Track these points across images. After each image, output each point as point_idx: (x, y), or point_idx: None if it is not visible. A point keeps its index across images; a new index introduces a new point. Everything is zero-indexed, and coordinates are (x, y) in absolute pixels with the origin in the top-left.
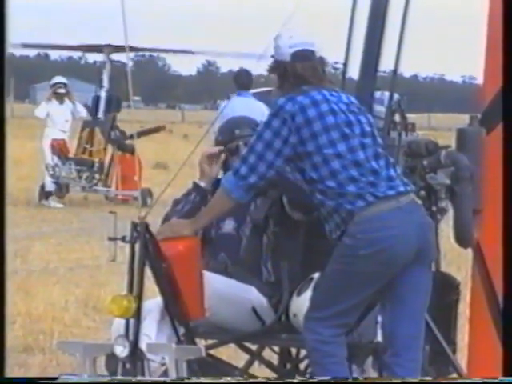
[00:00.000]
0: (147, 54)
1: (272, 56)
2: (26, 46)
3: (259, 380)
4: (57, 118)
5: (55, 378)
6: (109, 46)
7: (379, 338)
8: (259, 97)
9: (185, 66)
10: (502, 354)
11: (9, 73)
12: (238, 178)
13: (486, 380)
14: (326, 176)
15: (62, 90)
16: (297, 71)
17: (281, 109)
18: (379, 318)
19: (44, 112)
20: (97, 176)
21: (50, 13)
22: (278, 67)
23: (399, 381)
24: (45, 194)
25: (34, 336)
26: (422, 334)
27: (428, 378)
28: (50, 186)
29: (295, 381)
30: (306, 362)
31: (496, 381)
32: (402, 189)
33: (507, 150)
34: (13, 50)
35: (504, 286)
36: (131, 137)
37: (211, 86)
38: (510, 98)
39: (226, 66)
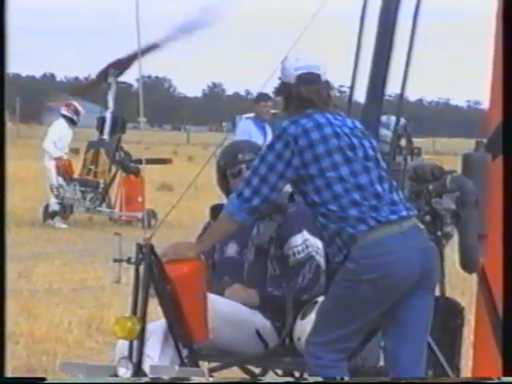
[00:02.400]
0: (153, 75)
1: (279, 78)
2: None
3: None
4: (65, 141)
5: (44, 379)
6: (114, 67)
7: (382, 362)
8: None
9: (190, 88)
10: (502, 354)
11: (15, 93)
12: (242, 201)
13: (486, 380)
14: (329, 199)
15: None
16: (302, 94)
17: (284, 131)
18: (382, 343)
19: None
20: (101, 197)
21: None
22: (284, 89)
23: (395, 381)
24: (50, 214)
25: (37, 357)
26: (424, 358)
27: (429, 379)
28: (55, 206)
29: (293, 380)
30: None
31: (496, 381)
32: (404, 213)
33: (508, 173)
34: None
35: (504, 290)
36: (139, 162)
37: (216, 107)
38: (510, 109)
39: (232, 88)
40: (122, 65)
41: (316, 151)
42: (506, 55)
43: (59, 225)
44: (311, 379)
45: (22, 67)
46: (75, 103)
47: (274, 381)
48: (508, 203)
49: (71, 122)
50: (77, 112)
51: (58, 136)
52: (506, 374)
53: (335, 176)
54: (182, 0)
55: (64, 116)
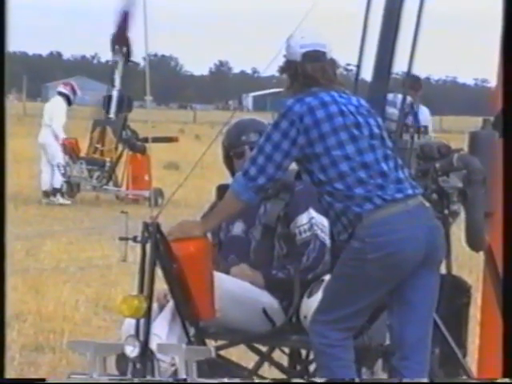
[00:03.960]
0: (159, 53)
1: (284, 56)
2: None
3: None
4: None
5: (43, 380)
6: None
7: (388, 340)
8: (271, 97)
9: (197, 66)
10: (502, 354)
11: (21, 71)
12: (247, 180)
13: (486, 380)
14: (334, 178)
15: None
16: (307, 72)
17: (289, 110)
18: (387, 321)
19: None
20: (107, 176)
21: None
22: (289, 67)
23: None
24: (52, 192)
25: (44, 335)
26: (429, 336)
27: (425, 380)
28: (57, 183)
29: (296, 381)
30: (315, 363)
31: (496, 381)
32: (410, 192)
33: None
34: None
35: (504, 284)
36: (145, 140)
37: (223, 86)
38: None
39: (239, 66)
40: (120, 40)
41: (321, 129)
42: (507, 55)
43: (63, 201)
44: (318, 380)
45: (28, 45)
46: (73, 82)
47: (277, 382)
48: (509, 185)
49: (68, 100)
50: (74, 91)
51: (63, 115)
52: (506, 375)
53: (341, 154)
54: None
55: (61, 94)
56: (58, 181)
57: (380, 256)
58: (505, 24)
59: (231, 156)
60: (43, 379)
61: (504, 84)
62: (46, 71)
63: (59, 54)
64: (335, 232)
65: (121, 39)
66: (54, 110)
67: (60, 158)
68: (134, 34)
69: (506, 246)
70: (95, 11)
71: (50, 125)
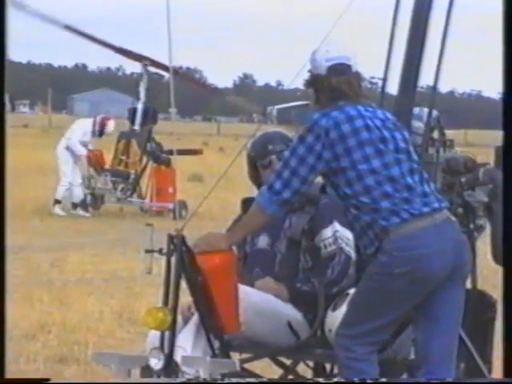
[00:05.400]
0: (184, 66)
1: (309, 70)
2: (68, 27)
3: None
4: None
5: (46, 380)
6: (147, 58)
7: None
8: (296, 110)
9: (221, 79)
10: (503, 354)
11: (47, 83)
12: (272, 194)
13: (486, 380)
14: (360, 192)
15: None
16: (332, 85)
17: (315, 124)
18: (412, 335)
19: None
20: (132, 188)
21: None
22: (314, 81)
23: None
24: (73, 205)
25: (68, 346)
26: (455, 350)
27: (433, 380)
28: (59, 195)
29: (299, 381)
30: (340, 377)
31: (497, 381)
32: (436, 205)
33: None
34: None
35: (504, 285)
36: (170, 152)
37: (247, 98)
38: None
39: (263, 79)
40: (133, 57)
41: (347, 144)
42: (507, 56)
43: (58, 212)
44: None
45: (54, 57)
46: (110, 121)
47: (278, 381)
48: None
49: (92, 132)
50: (102, 127)
51: (82, 133)
52: (506, 375)
53: (367, 168)
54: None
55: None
56: (60, 192)
57: (407, 270)
58: (505, 24)
59: (257, 167)
60: (47, 379)
61: (505, 86)
62: (72, 83)
63: (84, 66)
64: (361, 246)
65: (132, 56)
66: (79, 127)
67: (69, 173)
68: (160, 48)
69: (505, 245)
70: (120, 23)
71: (69, 138)
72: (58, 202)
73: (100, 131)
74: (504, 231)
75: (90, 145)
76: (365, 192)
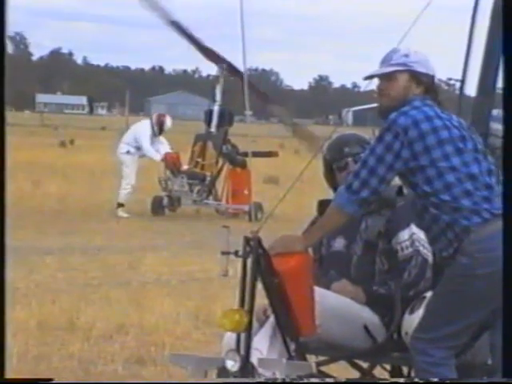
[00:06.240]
0: (260, 68)
1: (390, 64)
2: (174, 23)
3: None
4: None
5: (49, 380)
6: (224, 60)
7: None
8: (372, 112)
9: (297, 81)
10: (502, 354)
11: (124, 86)
12: (351, 193)
13: (486, 380)
14: (441, 189)
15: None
16: (419, 80)
17: (393, 123)
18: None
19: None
20: (208, 190)
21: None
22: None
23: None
24: (117, 205)
25: (146, 347)
26: None
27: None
28: (122, 198)
29: (305, 381)
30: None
31: (497, 380)
32: None
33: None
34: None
35: (504, 285)
36: (245, 154)
37: (323, 100)
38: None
39: (339, 81)
40: (211, 57)
41: (426, 142)
42: (507, 56)
43: (122, 214)
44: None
45: (131, 60)
46: (167, 118)
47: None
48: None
49: (152, 130)
50: (161, 124)
51: (148, 136)
52: (506, 375)
53: (447, 166)
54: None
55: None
56: (122, 195)
57: (490, 272)
58: (505, 24)
59: (333, 169)
60: (50, 379)
61: (504, 84)
62: (149, 86)
63: (161, 69)
64: (437, 248)
65: (206, 53)
66: (142, 131)
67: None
68: (235, 50)
69: (506, 245)
70: (196, 25)
71: (135, 145)
72: (121, 205)
73: (159, 130)
74: (504, 231)
75: (166, 147)
76: (445, 189)
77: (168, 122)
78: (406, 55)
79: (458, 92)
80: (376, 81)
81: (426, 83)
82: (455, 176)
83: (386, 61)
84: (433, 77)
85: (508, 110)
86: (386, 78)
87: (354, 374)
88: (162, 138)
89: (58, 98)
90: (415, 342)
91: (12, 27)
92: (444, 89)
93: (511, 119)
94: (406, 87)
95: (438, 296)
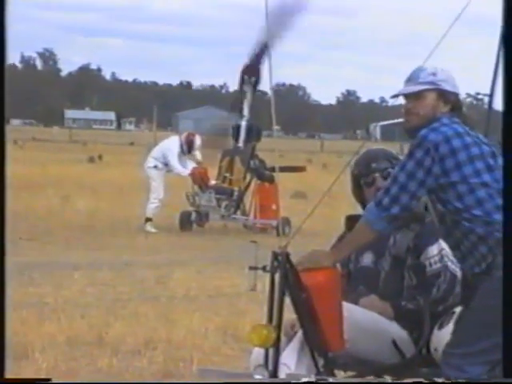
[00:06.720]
0: (287, 83)
1: (419, 83)
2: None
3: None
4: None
5: (47, 380)
6: (246, 74)
7: None
8: (400, 127)
9: (324, 95)
10: (502, 354)
11: (152, 101)
12: (381, 210)
13: (487, 380)
14: (472, 205)
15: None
16: (452, 101)
17: (424, 139)
18: None
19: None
20: (235, 204)
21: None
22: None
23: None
24: (145, 220)
25: (174, 362)
26: None
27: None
28: (150, 213)
29: (312, 380)
30: None
31: (497, 381)
32: None
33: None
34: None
35: (504, 285)
36: (273, 169)
37: (351, 115)
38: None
39: (367, 95)
40: (252, 71)
41: (458, 158)
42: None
43: (150, 229)
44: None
45: (159, 75)
46: (196, 137)
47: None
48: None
49: (181, 148)
50: (190, 144)
51: (176, 153)
52: (506, 375)
53: (478, 182)
54: None
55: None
56: (150, 210)
57: None
58: (505, 24)
59: (361, 185)
60: (48, 379)
61: (504, 85)
62: (176, 101)
63: (189, 84)
64: (468, 265)
65: (252, 70)
66: (170, 148)
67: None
68: (264, 65)
69: (506, 245)
70: (224, 42)
71: (163, 161)
72: (149, 219)
73: (188, 148)
74: (504, 231)
75: (193, 163)
76: (477, 205)
77: (197, 140)
78: (434, 74)
79: (486, 107)
80: (402, 97)
81: (453, 101)
82: (487, 192)
83: (412, 79)
84: (458, 94)
85: (508, 109)
86: (413, 96)
87: None
88: (196, 152)
89: (87, 114)
90: (448, 357)
91: (41, 43)
92: (472, 103)
93: (511, 119)
94: (434, 106)
95: (474, 311)
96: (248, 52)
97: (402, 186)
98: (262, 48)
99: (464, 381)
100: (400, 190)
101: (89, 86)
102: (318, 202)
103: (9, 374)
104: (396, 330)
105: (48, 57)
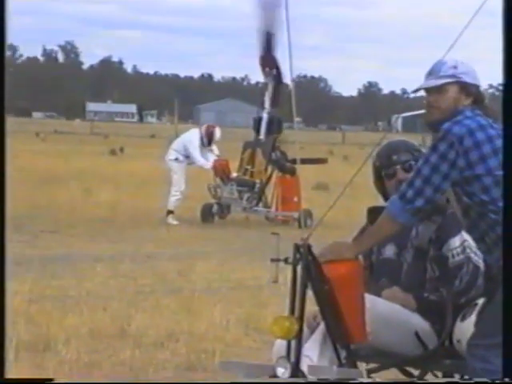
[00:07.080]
0: (309, 75)
1: (440, 77)
2: None
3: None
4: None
5: (50, 379)
6: (264, 65)
7: None
8: (421, 118)
9: (346, 87)
10: (502, 354)
11: (173, 94)
12: (405, 202)
13: (486, 380)
14: (498, 198)
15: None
16: (474, 94)
17: (448, 132)
18: None
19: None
20: (257, 197)
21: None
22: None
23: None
24: (167, 212)
25: (196, 354)
26: None
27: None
28: (172, 205)
29: (315, 380)
30: None
31: (497, 381)
32: None
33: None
34: None
35: (504, 285)
36: (294, 161)
37: (372, 107)
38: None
39: (388, 87)
40: (267, 61)
41: (482, 151)
42: (507, 54)
43: (172, 221)
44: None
45: (180, 68)
46: (216, 129)
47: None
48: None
49: (201, 141)
50: (210, 136)
51: (197, 145)
52: (506, 375)
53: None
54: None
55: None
56: (172, 202)
57: None
58: (505, 24)
59: (382, 177)
60: (51, 379)
61: (504, 84)
62: (197, 93)
63: (210, 76)
64: (494, 257)
65: (268, 61)
66: (191, 141)
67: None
68: (282, 57)
69: (506, 245)
70: (245, 33)
71: (184, 154)
72: (170, 212)
73: (208, 140)
74: (504, 231)
75: (214, 155)
76: (503, 198)
77: (217, 133)
78: (455, 67)
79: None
80: (423, 90)
81: (475, 94)
82: None
83: (433, 73)
84: (479, 87)
85: (508, 109)
86: (435, 90)
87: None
88: (213, 146)
89: (108, 107)
90: (473, 348)
91: (63, 36)
92: (494, 94)
93: (511, 119)
94: (456, 99)
95: (497, 301)
96: (258, 42)
97: (426, 179)
98: (267, 37)
99: (462, 381)
100: (424, 183)
101: (110, 78)
102: (340, 193)
103: (25, 368)
104: (418, 322)
105: (69, 50)
